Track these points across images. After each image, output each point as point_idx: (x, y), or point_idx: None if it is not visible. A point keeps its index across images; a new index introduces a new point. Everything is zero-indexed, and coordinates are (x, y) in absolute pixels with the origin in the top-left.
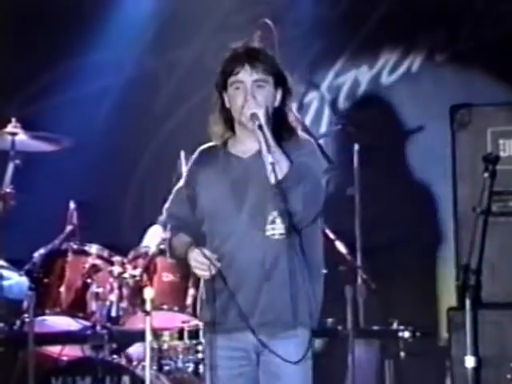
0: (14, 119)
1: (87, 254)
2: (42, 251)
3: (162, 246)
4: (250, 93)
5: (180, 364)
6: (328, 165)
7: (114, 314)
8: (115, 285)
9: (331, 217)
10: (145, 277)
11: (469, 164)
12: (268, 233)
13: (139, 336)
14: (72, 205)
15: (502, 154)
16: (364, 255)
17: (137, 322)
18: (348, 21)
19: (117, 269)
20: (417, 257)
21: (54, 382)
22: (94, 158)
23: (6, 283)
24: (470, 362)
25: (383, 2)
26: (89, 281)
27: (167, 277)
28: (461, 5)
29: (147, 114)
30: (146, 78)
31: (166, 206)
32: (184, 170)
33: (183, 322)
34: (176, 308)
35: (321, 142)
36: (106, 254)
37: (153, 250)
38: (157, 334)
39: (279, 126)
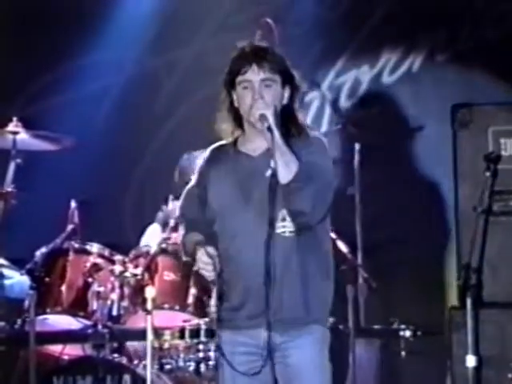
0: (15, 118)
1: (88, 253)
2: (43, 250)
3: (163, 245)
4: (258, 92)
5: (181, 363)
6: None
7: (115, 313)
8: (116, 284)
9: (332, 216)
10: (146, 276)
11: (470, 163)
12: (278, 230)
13: (140, 335)
14: (73, 204)
15: (503, 153)
16: (365, 254)
17: (138, 321)
18: (349, 21)
19: (118, 268)
20: (417, 256)
21: (56, 381)
22: (95, 157)
23: (7, 282)
24: (470, 361)
25: (384, 2)
26: (90, 280)
27: (168, 276)
28: (461, 5)
29: (147, 114)
30: (146, 78)
31: (179, 204)
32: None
33: (184, 321)
34: (177, 307)
35: None
36: (107, 253)
37: (154, 248)
38: (158, 332)
39: (288, 123)
